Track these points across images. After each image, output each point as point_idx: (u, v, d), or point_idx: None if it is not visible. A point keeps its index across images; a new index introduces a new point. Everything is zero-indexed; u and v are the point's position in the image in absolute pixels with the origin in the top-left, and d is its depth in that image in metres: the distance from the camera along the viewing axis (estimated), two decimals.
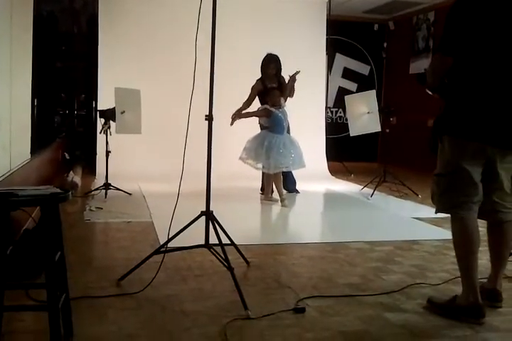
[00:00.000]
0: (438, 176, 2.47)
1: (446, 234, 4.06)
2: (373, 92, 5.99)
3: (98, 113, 5.33)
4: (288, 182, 5.60)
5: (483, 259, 2.90)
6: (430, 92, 2.52)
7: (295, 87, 5.21)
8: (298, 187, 5.78)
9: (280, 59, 5.27)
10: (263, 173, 5.28)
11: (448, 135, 2.40)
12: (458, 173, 2.37)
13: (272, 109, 4.93)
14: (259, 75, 5.30)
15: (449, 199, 2.42)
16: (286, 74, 5.25)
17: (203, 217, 2.80)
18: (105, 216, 4.32)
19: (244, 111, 5.09)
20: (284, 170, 5.12)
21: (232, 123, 4.96)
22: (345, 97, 6.10)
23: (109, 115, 5.13)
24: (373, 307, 2.50)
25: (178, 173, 2.77)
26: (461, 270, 2.40)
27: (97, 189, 5.26)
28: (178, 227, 2.77)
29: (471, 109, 2.34)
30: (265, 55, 5.27)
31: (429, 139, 2.55)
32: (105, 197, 5.05)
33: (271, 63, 5.22)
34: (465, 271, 2.38)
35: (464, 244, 2.39)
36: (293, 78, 5.09)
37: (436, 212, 2.52)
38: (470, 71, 2.33)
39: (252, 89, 5.20)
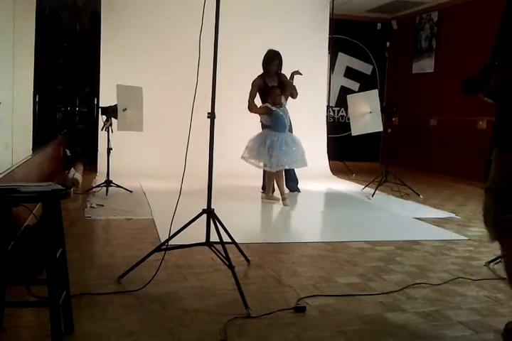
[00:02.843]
0: (494, 192, 2.07)
1: (447, 234, 4.08)
2: (375, 92, 5.98)
3: (100, 110, 5.33)
4: (290, 181, 5.60)
5: None
6: (490, 100, 2.13)
7: (295, 87, 5.20)
8: (299, 186, 5.78)
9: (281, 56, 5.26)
10: (264, 172, 5.28)
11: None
12: None
13: (273, 108, 4.92)
14: (260, 73, 5.29)
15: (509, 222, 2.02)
16: (287, 73, 5.25)
17: (204, 215, 2.80)
18: (106, 213, 4.32)
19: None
20: (286, 168, 5.12)
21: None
22: (348, 96, 6.09)
23: (111, 112, 5.13)
24: (373, 306, 2.49)
25: (179, 171, 2.77)
26: None
27: (98, 186, 5.26)
28: (179, 225, 2.77)
29: None
30: (267, 51, 5.25)
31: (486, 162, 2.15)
32: (106, 194, 5.05)
33: (274, 59, 5.20)
34: None
35: None
36: (292, 76, 5.09)
37: (491, 240, 2.11)
38: None
39: (252, 85, 5.17)
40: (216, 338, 2.08)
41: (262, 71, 5.28)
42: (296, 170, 5.55)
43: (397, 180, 5.89)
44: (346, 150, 8.49)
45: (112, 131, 5.18)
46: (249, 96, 5.09)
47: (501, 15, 2.06)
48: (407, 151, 8.25)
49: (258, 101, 5.22)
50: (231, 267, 2.58)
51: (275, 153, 4.85)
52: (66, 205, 4.41)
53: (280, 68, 5.28)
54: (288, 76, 5.21)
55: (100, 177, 5.83)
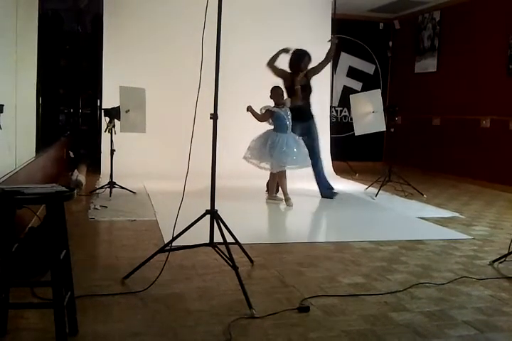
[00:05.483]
0: None
1: (451, 233, 4.07)
2: (378, 91, 5.97)
3: (103, 111, 5.34)
4: (321, 187, 5.50)
5: None
6: None
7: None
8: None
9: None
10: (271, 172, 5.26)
11: None
12: None
13: (275, 109, 4.91)
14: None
15: None
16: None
17: (208, 216, 2.80)
18: (110, 214, 4.32)
19: (252, 109, 5.01)
20: (287, 168, 5.09)
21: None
22: (350, 96, 6.09)
23: (114, 114, 5.13)
24: (378, 306, 2.49)
25: (182, 172, 2.77)
26: None
27: (101, 187, 5.27)
28: (183, 226, 2.77)
29: None
30: (296, 50, 5.27)
31: None
32: (110, 195, 5.06)
33: (305, 59, 5.30)
34: None
35: None
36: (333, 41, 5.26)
37: None
38: None
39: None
40: (220, 339, 2.08)
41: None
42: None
43: (401, 179, 5.88)
44: (349, 150, 8.48)
45: (115, 133, 5.19)
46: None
47: None
48: (410, 151, 8.23)
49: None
50: (235, 268, 2.58)
51: (276, 154, 4.84)
52: (70, 207, 4.42)
53: (305, 67, 5.34)
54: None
55: (104, 179, 5.83)
